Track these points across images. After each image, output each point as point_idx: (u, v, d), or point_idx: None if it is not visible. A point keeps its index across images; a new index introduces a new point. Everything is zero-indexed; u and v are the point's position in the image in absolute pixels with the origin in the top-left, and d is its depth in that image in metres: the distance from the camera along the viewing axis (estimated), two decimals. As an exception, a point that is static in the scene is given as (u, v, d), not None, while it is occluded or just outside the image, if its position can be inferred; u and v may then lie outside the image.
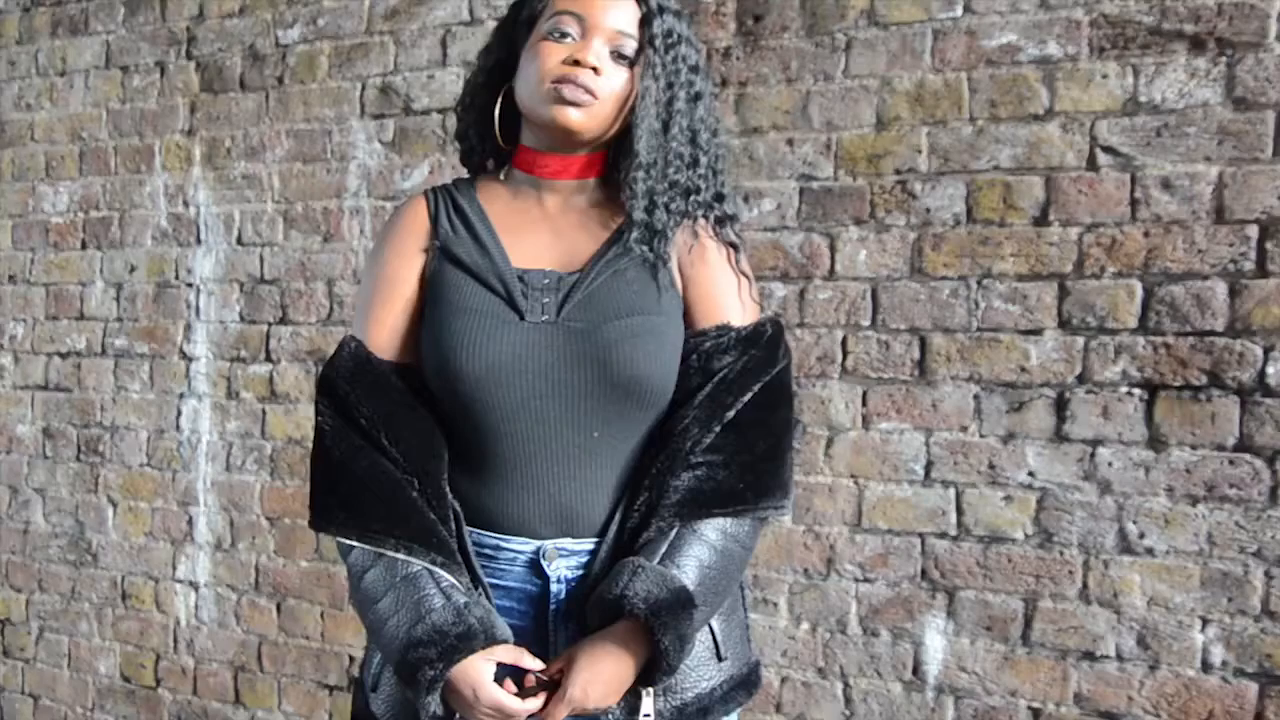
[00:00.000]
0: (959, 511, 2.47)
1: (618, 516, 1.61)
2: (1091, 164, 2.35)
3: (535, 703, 1.53)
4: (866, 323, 2.55)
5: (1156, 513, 2.30)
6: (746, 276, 1.72)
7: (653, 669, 1.54)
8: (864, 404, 2.56)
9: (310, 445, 1.66)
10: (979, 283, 2.44)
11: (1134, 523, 2.32)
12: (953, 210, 2.47)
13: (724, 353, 1.64)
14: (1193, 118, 2.27)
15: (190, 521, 3.42)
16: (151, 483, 3.48)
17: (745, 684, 1.70)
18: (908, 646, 2.51)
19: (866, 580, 2.55)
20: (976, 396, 2.45)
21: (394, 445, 1.61)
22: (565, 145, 1.67)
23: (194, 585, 3.41)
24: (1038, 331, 2.40)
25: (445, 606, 1.53)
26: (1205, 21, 2.27)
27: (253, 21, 3.33)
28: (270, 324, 3.29)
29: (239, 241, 3.34)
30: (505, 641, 1.54)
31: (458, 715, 1.55)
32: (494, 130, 1.73)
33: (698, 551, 1.57)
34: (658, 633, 1.51)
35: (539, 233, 1.68)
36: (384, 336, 1.68)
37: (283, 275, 3.27)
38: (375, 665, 1.67)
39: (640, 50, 1.64)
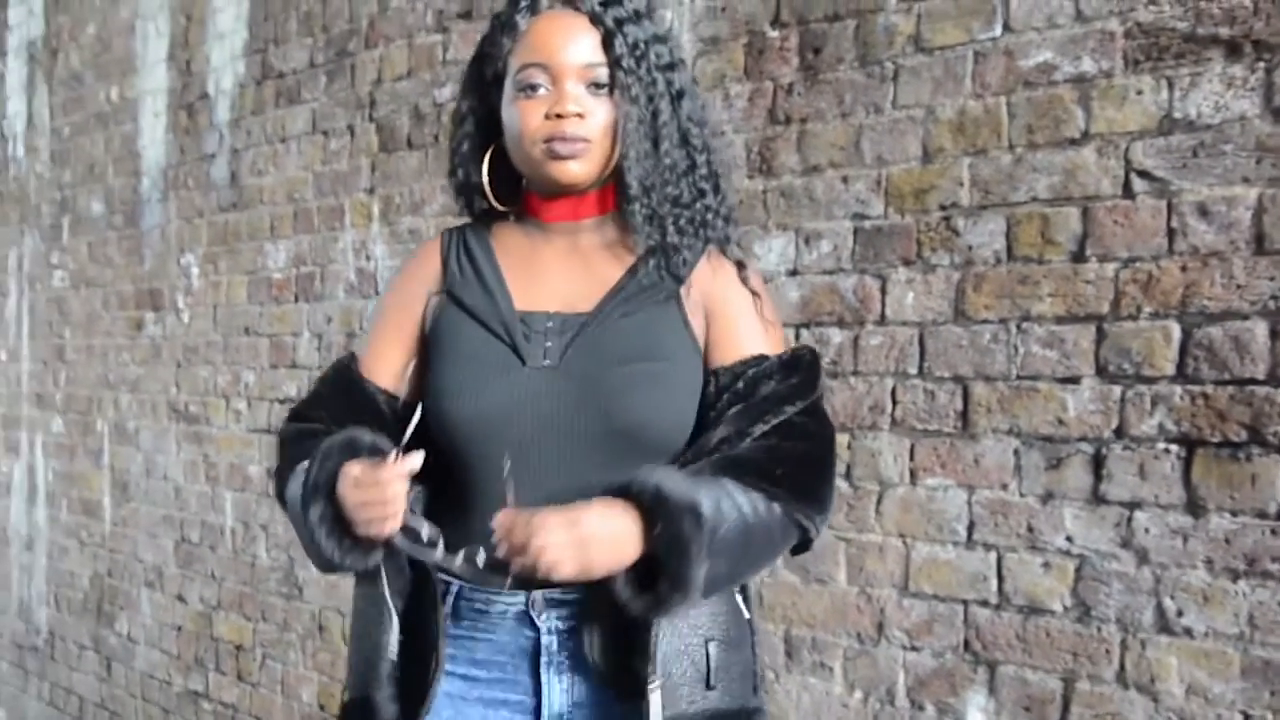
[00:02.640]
0: (999, 578, 2.33)
1: None
2: (1127, 191, 2.17)
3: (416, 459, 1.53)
4: (914, 370, 2.46)
5: (1195, 588, 2.08)
6: (773, 324, 1.73)
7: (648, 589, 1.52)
8: (911, 458, 2.46)
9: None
10: (1018, 326, 2.31)
11: (1171, 598, 2.11)
12: (993, 247, 2.35)
13: (767, 379, 1.65)
14: (1229, 134, 2.06)
15: (368, 560, 3.72)
16: (341, 522, 3.82)
17: None
18: (951, 724, 2.39)
19: (913, 649, 2.45)
20: (1016, 451, 2.31)
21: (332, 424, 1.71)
22: (572, 190, 1.70)
23: (369, 621, 3.71)
24: (1075, 380, 2.23)
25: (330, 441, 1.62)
26: (1241, 23, 2.05)
27: (415, 83, 3.62)
28: (428, 372, 3.55)
29: (406, 293, 3.62)
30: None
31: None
32: (489, 192, 1.76)
33: (721, 496, 1.53)
34: (657, 520, 1.49)
35: (547, 275, 1.71)
36: (372, 358, 1.76)
37: (436, 325, 3.52)
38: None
39: (613, 72, 1.65)
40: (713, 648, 1.64)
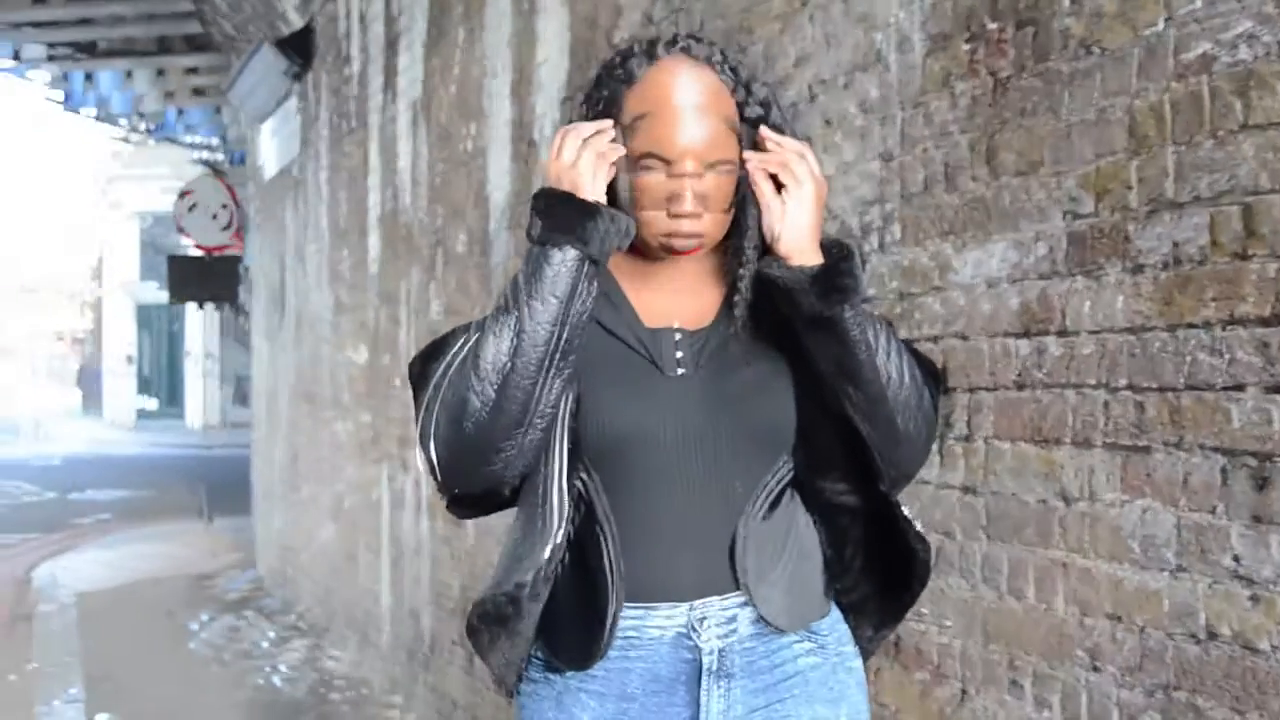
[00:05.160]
0: (1207, 610, 2.09)
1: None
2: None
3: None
4: (1124, 382, 2.26)
5: None
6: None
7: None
8: (1123, 476, 2.26)
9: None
10: (1223, 329, 2.07)
11: (1384, 640, 1.83)
12: (1198, 243, 2.12)
13: None
14: None
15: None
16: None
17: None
18: (1163, 771, 2.16)
19: (1125, 685, 2.24)
20: (1224, 470, 2.07)
21: None
22: None
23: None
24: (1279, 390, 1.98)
25: None
26: None
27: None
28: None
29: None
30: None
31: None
32: None
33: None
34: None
35: (662, 294, 1.79)
36: None
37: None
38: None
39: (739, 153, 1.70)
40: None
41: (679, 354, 1.74)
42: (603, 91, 1.74)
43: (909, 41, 2.80)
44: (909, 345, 1.78)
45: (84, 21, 16.45)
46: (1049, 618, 2.41)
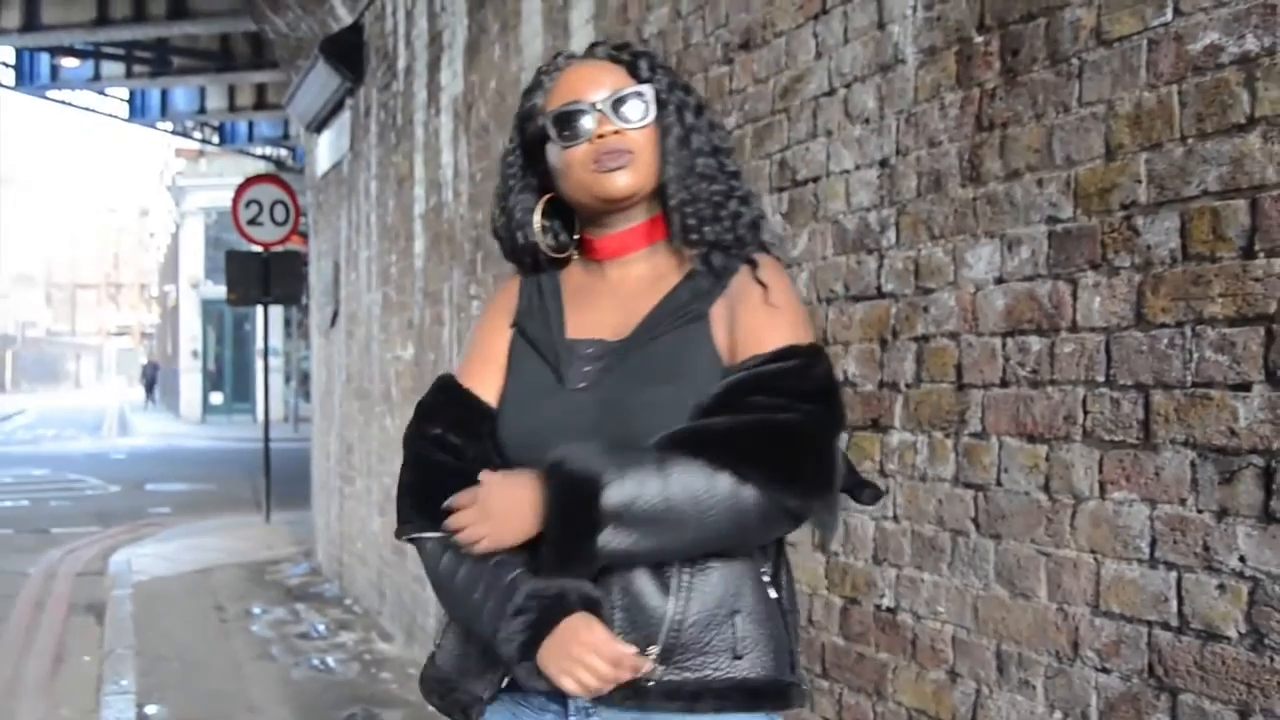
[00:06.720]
0: (1179, 599, 2.11)
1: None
2: (1292, 178, 1.93)
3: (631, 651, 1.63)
4: (1101, 379, 2.28)
5: (1363, 617, 1.81)
6: (784, 307, 1.77)
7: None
8: (1100, 470, 2.28)
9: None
10: (1192, 330, 2.09)
11: (1340, 628, 1.84)
12: (1169, 246, 2.14)
13: (754, 369, 1.72)
14: (1388, 109, 1.78)
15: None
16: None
17: (757, 694, 1.71)
18: (1138, 753, 2.19)
19: (1104, 670, 2.26)
20: (1193, 464, 2.09)
21: (466, 445, 1.79)
22: (622, 216, 1.81)
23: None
24: (1246, 387, 2.00)
25: (537, 581, 1.65)
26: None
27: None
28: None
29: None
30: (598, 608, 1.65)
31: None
32: (542, 244, 1.87)
33: (647, 473, 1.61)
34: (549, 475, 1.63)
35: (600, 305, 1.83)
36: (469, 376, 1.88)
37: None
38: (441, 628, 1.88)
39: (642, 93, 1.79)
40: (739, 620, 1.69)
41: (586, 367, 1.76)
42: (529, 102, 1.87)
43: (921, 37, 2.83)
44: (756, 426, 1.65)
45: (160, 42, 16.87)
46: (1033, 605, 2.44)
